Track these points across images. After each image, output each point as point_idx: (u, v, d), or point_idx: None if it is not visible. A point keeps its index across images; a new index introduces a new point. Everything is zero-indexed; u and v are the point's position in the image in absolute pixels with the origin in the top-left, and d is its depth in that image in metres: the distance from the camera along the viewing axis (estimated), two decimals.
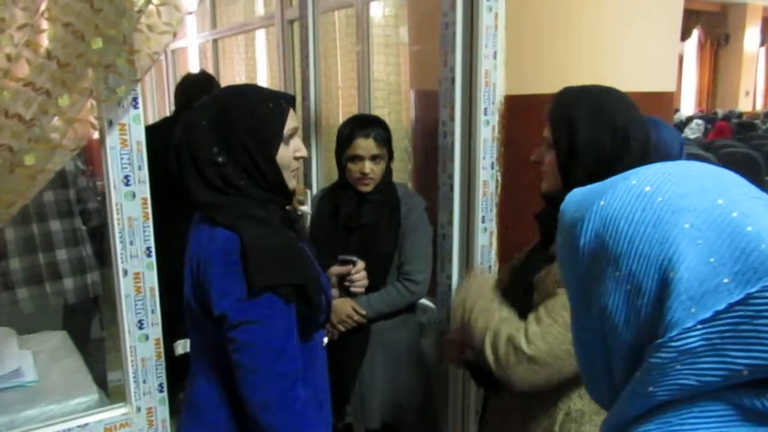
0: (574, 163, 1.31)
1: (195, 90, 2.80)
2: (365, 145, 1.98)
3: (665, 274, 0.51)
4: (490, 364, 1.33)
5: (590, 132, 1.30)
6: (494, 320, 1.37)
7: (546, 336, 1.27)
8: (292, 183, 1.38)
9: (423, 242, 2.08)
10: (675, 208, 0.52)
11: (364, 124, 2.02)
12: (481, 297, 1.44)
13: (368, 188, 2.01)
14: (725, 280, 0.48)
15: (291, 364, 1.29)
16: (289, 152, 1.35)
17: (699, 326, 0.49)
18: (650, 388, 0.52)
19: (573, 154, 1.31)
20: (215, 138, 1.28)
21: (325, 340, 1.52)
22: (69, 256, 2.57)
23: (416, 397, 2.15)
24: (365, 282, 1.90)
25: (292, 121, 1.35)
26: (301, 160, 1.40)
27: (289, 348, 1.29)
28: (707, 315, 0.49)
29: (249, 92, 1.36)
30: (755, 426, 0.50)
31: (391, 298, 2.04)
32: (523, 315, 1.37)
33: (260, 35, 5.24)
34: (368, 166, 1.98)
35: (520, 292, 1.43)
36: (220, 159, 1.27)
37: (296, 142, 1.37)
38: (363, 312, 1.98)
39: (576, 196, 0.62)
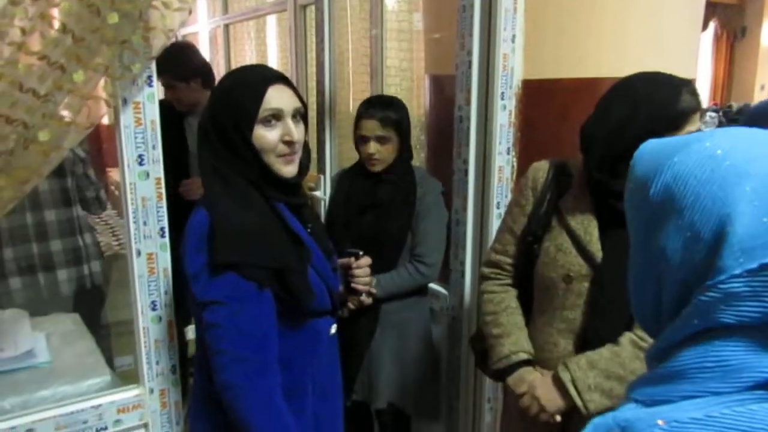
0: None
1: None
2: (369, 126, 2.01)
3: (722, 227, 0.58)
4: None
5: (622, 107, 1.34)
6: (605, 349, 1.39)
7: None
8: (284, 169, 1.33)
9: (436, 225, 2.07)
10: (740, 171, 0.59)
11: (372, 104, 2.05)
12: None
13: (376, 168, 2.04)
14: None
15: (258, 349, 1.26)
16: (271, 134, 1.30)
17: (745, 274, 0.56)
18: (695, 321, 0.60)
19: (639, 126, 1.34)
20: (209, 118, 1.32)
21: (333, 328, 1.48)
22: (64, 246, 2.51)
23: (423, 380, 2.14)
24: (367, 280, 1.80)
25: (275, 102, 1.30)
26: (293, 146, 1.33)
27: (257, 333, 1.26)
28: (753, 266, 0.56)
29: (236, 72, 1.39)
30: None
31: (402, 279, 2.04)
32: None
33: (271, 20, 5.22)
34: (373, 146, 2.01)
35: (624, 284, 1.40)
36: (208, 138, 1.30)
37: (285, 126, 1.32)
38: (373, 291, 1.96)
39: (650, 147, 0.69)
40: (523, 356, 1.52)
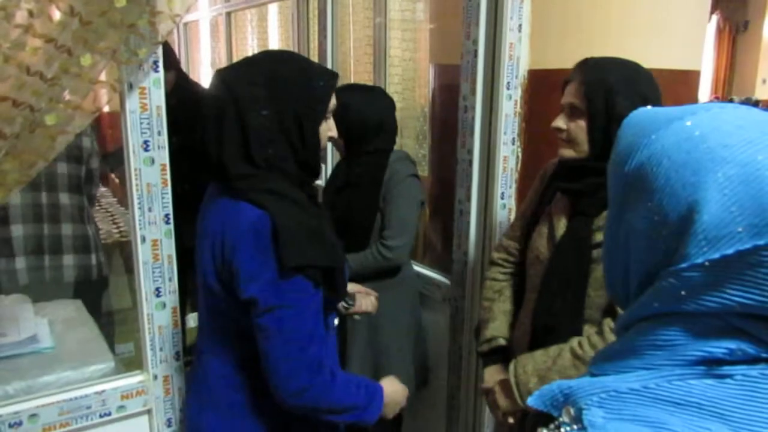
0: (611, 130, 1.32)
1: None
2: None
3: (690, 213, 0.56)
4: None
5: (627, 101, 1.31)
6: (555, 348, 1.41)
7: None
8: (320, 161, 1.36)
9: (403, 208, 2.10)
10: (715, 156, 0.56)
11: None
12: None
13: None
14: (739, 229, 0.53)
15: (320, 348, 1.26)
16: (327, 130, 1.33)
17: (707, 263, 0.55)
18: (655, 305, 0.60)
19: (609, 122, 1.33)
20: (266, 101, 1.22)
21: (336, 321, 1.49)
22: (74, 232, 2.51)
23: (400, 363, 2.18)
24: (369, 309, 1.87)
25: (334, 98, 1.33)
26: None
27: (317, 332, 1.26)
28: (716, 256, 0.54)
29: (302, 62, 1.32)
30: (732, 339, 0.56)
31: (366, 260, 2.09)
32: (581, 295, 1.39)
33: (273, 9, 5.20)
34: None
35: (576, 268, 1.41)
36: (268, 123, 1.22)
37: (330, 122, 1.35)
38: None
39: (636, 118, 0.66)
40: (501, 342, 1.59)
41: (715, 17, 9.97)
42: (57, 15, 1.20)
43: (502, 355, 1.60)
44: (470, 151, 2.04)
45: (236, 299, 1.23)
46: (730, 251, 0.54)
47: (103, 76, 1.36)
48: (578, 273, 1.40)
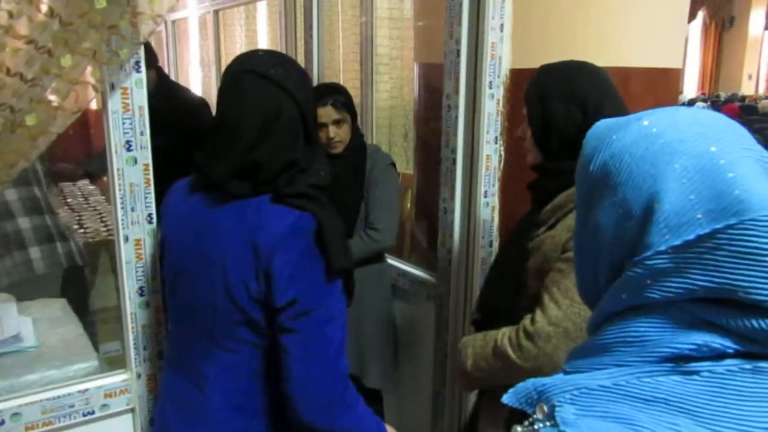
0: (549, 136, 1.38)
1: None
2: (325, 112, 2.16)
3: (651, 204, 0.59)
4: (515, 359, 1.34)
5: (560, 107, 1.36)
6: (491, 333, 1.44)
7: (571, 317, 1.28)
8: None
9: (386, 194, 2.25)
10: (672, 150, 0.60)
11: (321, 93, 2.19)
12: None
13: (337, 150, 2.22)
14: (699, 216, 0.56)
15: (345, 359, 1.19)
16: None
17: (670, 251, 0.57)
18: (623, 296, 0.62)
19: (547, 129, 1.39)
20: (297, 110, 1.22)
21: None
22: (33, 224, 2.47)
23: (379, 351, 2.29)
24: None
25: None
26: None
27: (345, 343, 1.20)
28: (678, 242, 0.57)
29: (294, 64, 1.32)
30: (699, 333, 0.58)
31: (356, 247, 2.18)
32: (515, 280, 1.45)
33: (261, 6, 5.19)
34: (332, 130, 2.18)
35: (513, 257, 1.49)
36: (298, 133, 1.23)
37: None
38: None
39: (600, 126, 0.70)
40: (475, 316, 1.67)
41: (701, 14, 10.03)
42: (37, 16, 1.21)
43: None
44: (454, 150, 2.06)
45: (267, 307, 1.16)
46: (691, 237, 0.56)
47: (85, 77, 1.36)
48: (515, 260, 1.46)
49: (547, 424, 0.59)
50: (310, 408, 1.14)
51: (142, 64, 1.48)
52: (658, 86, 2.00)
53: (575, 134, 1.32)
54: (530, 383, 0.64)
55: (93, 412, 1.57)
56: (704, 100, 10.08)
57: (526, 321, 1.34)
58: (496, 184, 2.07)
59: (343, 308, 1.21)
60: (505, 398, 0.65)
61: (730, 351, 0.56)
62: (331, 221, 1.17)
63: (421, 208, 2.68)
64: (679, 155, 0.59)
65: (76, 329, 1.92)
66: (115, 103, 1.46)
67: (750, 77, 11.44)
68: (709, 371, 0.56)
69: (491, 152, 2.03)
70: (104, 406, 1.59)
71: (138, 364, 1.62)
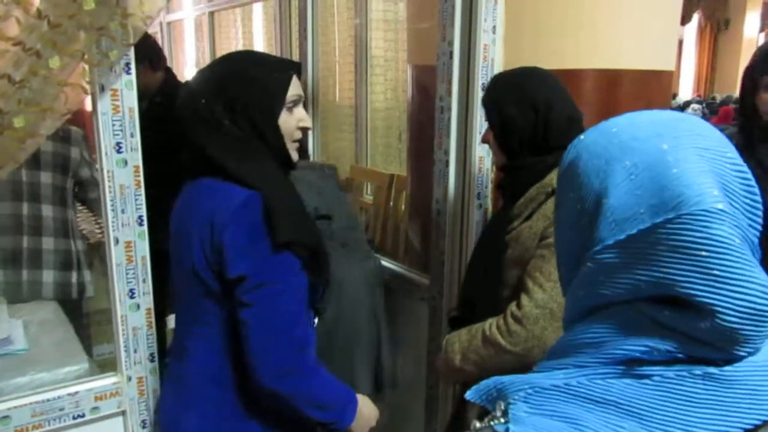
0: (509, 138, 1.48)
1: None
2: None
3: (600, 199, 0.60)
4: (505, 345, 1.38)
5: (513, 110, 1.46)
6: (476, 327, 1.49)
7: (555, 298, 1.35)
8: (293, 154, 1.36)
9: None
10: (625, 147, 0.61)
11: None
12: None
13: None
14: (641, 211, 0.57)
15: (306, 329, 1.27)
16: (292, 120, 1.33)
17: (617, 245, 0.58)
18: (581, 293, 0.63)
19: (506, 131, 1.48)
20: (221, 105, 1.27)
21: (315, 321, 1.47)
22: (56, 246, 2.39)
23: (367, 354, 2.28)
24: None
25: (296, 88, 1.33)
26: (302, 133, 1.38)
27: (302, 314, 1.27)
28: (622, 237, 0.58)
29: (252, 56, 1.38)
30: (651, 337, 0.58)
31: None
32: (496, 272, 1.51)
33: (257, 8, 5.19)
34: None
35: (492, 251, 1.54)
36: (225, 122, 1.27)
37: (300, 112, 1.36)
38: None
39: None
40: (453, 313, 1.73)
41: (696, 16, 10.07)
42: (25, 18, 1.20)
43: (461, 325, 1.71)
44: (447, 152, 2.06)
45: (225, 281, 1.24)
46: (633, 231, 0.57)
47: (74, 78, 1.36)
48: (495, 253, 1.51)
49: (502, 420, 0.60)
50: (266, 376, 1.23)
51: (132, 66, 1.47)
52: (651, 88, 2.00)
53: (531, 132, 1.44)
54: (492, 381, 0.65)
55: (83, 415, 1.56)
56: (699, 102, 10.10)
57: (513, 307, 1.40)
58: (489, 186, 2.07)
59: (298, 281, 1.26)
60: (468, 395, 0.66)
61: (681, 356, 0.57)
62: (280, 197, 1.23)
63: (415, 209, 2.67)
64: (631, 152, 0.60)
65: (68, 332, 1.92)
66: (105, 105, 1.46)
67: None
68: (660, 376, 0.57)
69: (484, 154, 2.03)
70: (95, 408, 1.58)
71: (129, 366, 1.61)
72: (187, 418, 1.36)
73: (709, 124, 0.64)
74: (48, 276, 2.37)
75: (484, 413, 0.63)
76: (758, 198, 0.59)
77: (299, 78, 1.37)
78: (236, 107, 1.27)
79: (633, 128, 0.62)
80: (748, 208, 0.59)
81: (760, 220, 0.59)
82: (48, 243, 2.37)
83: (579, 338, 0.63)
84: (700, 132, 0.62)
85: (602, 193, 0.60)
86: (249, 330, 1.22)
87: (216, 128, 1.27)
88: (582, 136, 0.67)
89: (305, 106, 2.70)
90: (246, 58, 1.36)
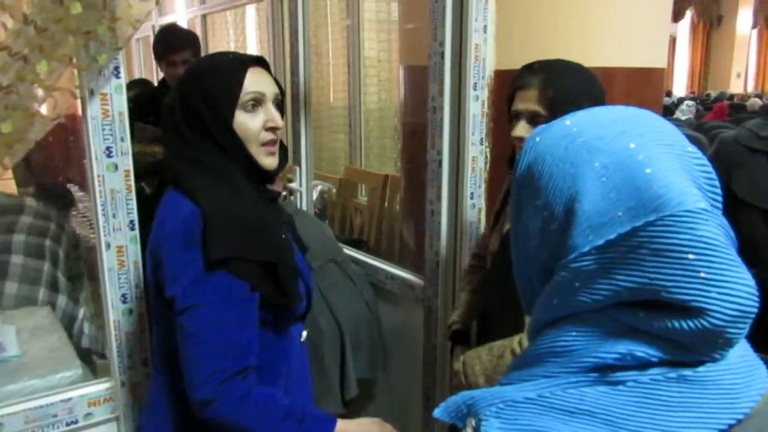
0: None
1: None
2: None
3: (572, 204, 0.57)
4: None
5: (590, 105, 1.36)
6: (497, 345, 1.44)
7: None
8: (265, 160, 1.24)
9: None
10: (591, 148, 0.58)
11: None
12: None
13: None
14: (619, 214, 0.55)
15: (238, 361, 1.12)
16: (254, 121, 1.21)
17: (594, 252, 0.56)
18: (554, 301, 0.60)
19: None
20: (180, 112, 1.21)
21: (304, 334, 1.38)
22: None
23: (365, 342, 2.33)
24: None
25: (257, 85, 1.21)
26: (276, 133, 1.25)
27: (238, 342, 1.13)
28: (600, 242, 0.55)
29: (209, 56, 1.32)
30: (624, 341, 0.56)
31: None
32: (511, 279, 1.44)
33: (250, 11, 5.18)
34: None
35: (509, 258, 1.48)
36: (182, 128, 1.21)
37: (267, 111, 1.23)
38: None
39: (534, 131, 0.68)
40: (457, 326, 1.70)
41: (689, 13, 10.08)
42: (11, 23, 1.20)
43: (466, 338, 1.71)
44: (440, 152, 2.06)
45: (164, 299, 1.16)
46: (612, 236, 0.54)
47: (63, 83, 1.35)
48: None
49: None
50: (194, 405, 1.12)
51: (122, 70, 1.47)
52: (642, 86, 2.00)
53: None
54: (460, 397, 0.63)
55: (77, 422, 1.56)
56: (694, 99, 10.13)
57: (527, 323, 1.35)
58: (482, 186, 2.07)
59: (237, 303, 1.13)
60: (437, 413, 0.64)
61: (655, 359, 0.55)
62: (223, 211, 1.13)
63: (408, 210, 2.67)
64: (598, 153, 0.57)
65: (60, 338, 1.90)
66: (94, 109, 1.45)
67: (738, 76, 11.50)
68: (634, 381, 0.55)
69: (477, 153, 2.02)
70: (88, 415, 1.57)
71: (122, 371, 1.60)
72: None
73: (662, 118, 0.62)
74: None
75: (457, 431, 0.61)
76: (720, 192, 0.58)
77: (269, 72, 1.27)
78: (189, 113, 1.20)
79: (594, 127, 0.60)
80: (715, 204, 0.57)
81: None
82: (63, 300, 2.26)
83: (548, 346, 0.61)
84: (661, 127, 0.60)
85: (573, 198, 0.57)
86: (180, 353, 1.14)
87: (180, 136, 1.21)
88: (537, 138, 0.63)
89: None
90: (202, 60, 1.32)
